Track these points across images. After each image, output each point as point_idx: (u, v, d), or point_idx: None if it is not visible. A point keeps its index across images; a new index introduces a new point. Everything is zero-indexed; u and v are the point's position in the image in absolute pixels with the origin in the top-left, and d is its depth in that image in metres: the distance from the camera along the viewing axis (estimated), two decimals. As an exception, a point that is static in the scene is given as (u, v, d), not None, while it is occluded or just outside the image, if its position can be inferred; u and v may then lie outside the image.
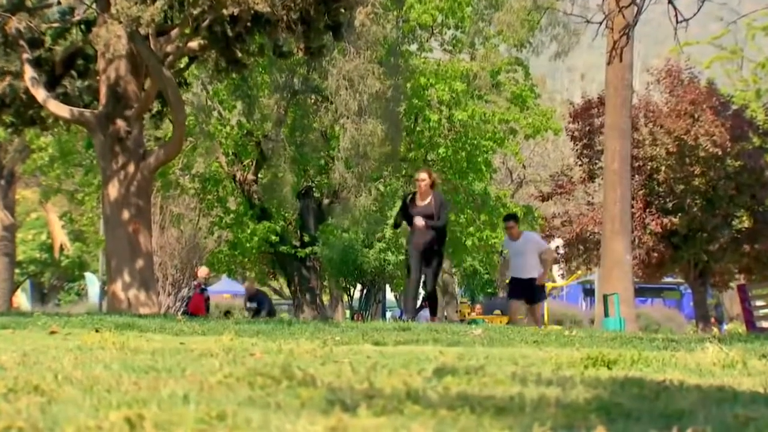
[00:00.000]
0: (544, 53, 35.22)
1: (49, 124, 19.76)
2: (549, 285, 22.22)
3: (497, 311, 32.67)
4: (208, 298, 23.54)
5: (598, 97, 27.28)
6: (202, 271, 24.03)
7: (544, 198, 30.13)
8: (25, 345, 5.79)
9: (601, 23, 15.48)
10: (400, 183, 32.07)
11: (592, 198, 27.87)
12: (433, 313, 14.36)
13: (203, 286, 23.55)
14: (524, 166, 48.12)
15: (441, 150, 31.90)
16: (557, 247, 28.51)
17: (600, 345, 6.93)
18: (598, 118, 26.95)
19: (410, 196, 14.34)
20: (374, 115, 27.39)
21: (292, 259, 30.34)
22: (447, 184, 33.34)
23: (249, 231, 29.26)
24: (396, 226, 15.12)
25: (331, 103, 27.83)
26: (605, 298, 19.35)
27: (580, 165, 28.64)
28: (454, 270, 47.67)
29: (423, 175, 14.34)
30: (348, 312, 34.03)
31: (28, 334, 7.30)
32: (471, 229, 33.25)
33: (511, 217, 16.71)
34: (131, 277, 16.85)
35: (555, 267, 33.25)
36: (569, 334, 8.89)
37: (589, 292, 47.99)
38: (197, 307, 22.45)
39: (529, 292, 15.52)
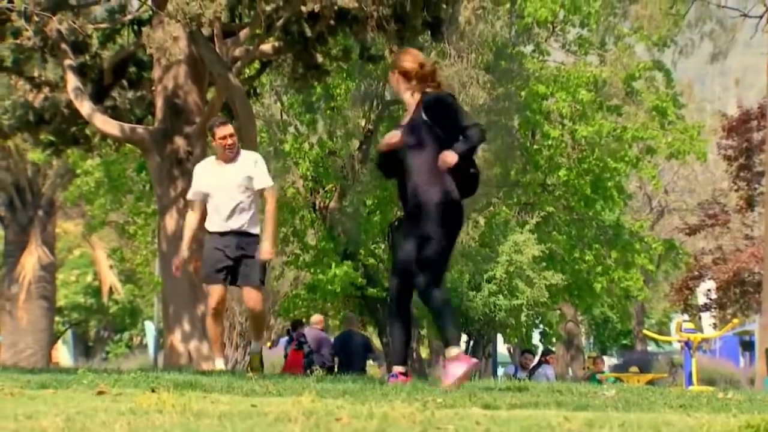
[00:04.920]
0: (694, 55, 34.75)
1: (95, 144, 20.08)
2: (698, 337, 21.90)
3: (634, 368, 32.32)
4: (310, 353, 21.60)
5: (759, 107, 27.05)
6: (316, 319, 22.73)
7: (692, 231, 29.90)
8: (68, 407, 5.88)
9: (761, 17, 15.32)
10: (513, 212, 31.96)
11: (752, 230, 27.58)
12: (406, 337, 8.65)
13: (301, 340, 21.82)
14: (666, 192, 47.69)
15: (562, 173, 31.71)
16: (708, 290, 28.19)
17: (762, 410, 6.83)
18: (758, 132, 26.76)
19: None
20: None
21: (383, 305, 30.35)
22: (570, 214, 33.16)
23: (331, 273, 29.12)
24: (381, 166, 8.98)
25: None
26: (768, 352, 19.09)
27: (735, 190, 28.43)
28: (581, 318, 47.37)
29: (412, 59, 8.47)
30: (451, 369, 33.92)
31: (72, 394, 7.41)
32: (599, 269, 32.91)
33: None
34: (192, 326, 16.95)
35: (706, 315, 32.84)
36: (723, 396, 8.78)
37: (747, 346, 47.26)
38: (294, 367, 20.59)
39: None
